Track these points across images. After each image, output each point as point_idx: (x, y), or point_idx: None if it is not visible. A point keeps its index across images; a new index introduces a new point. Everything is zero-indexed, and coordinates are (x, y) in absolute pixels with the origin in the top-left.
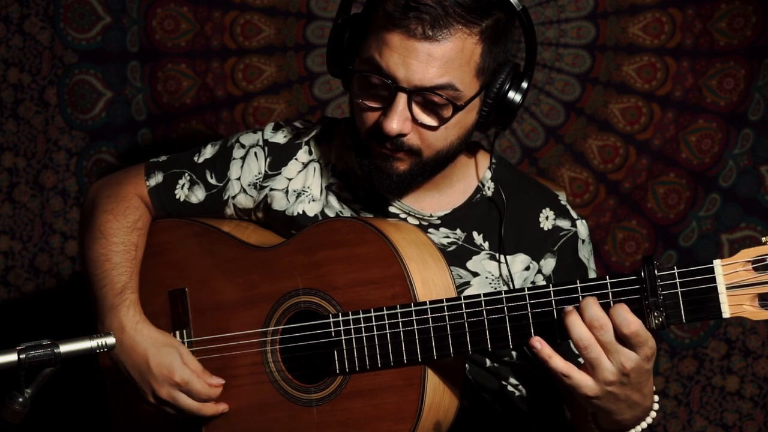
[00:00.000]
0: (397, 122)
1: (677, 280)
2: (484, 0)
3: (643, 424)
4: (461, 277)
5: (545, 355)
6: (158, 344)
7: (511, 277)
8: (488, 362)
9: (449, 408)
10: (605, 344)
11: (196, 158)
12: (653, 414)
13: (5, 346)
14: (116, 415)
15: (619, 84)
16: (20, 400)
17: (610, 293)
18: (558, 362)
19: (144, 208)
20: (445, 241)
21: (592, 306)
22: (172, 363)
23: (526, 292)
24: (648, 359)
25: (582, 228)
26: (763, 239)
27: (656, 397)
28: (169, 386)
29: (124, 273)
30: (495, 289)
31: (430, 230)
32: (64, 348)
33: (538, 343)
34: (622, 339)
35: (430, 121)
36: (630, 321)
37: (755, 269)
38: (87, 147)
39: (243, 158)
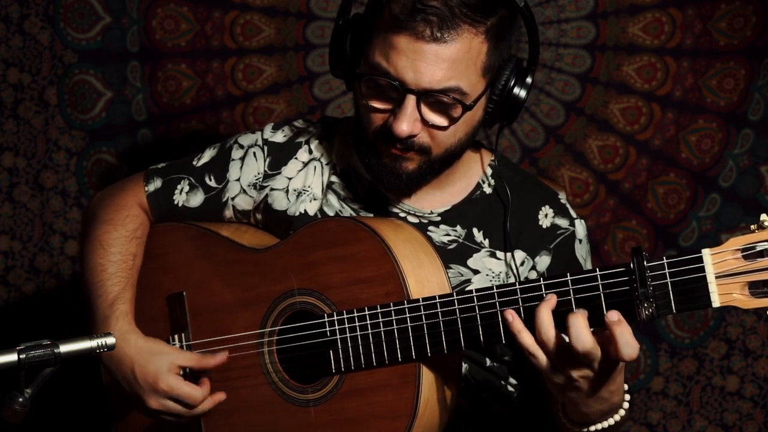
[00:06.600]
0: (407, 124)
1: (666, 270)
2: None
3: (611, 421)
4: (462, 275)
5: (515, 329)
6: (144, 353)
7: (518, 272)
8: (488, 361)
9: (446, 405)
10: (552, 357)
11: (195, 162)
12: (622, 412)
13: (5, 346)
14: (116, 414)
15: (619, 84)
16: (20, 400)
17: (571, 290)
18: (526, 338)
19: (144, 217)
20: (445, 239)
21: (543, 318)
22: (156, 371)
23: (518, 286)
24: (594, 369)
25: (580, 228)
26: (752, 227)
27: (627, 396)
28: (156, 395)
29: (118, 283)
30: None
31: (430, 228)
32: (64, 348)
33: (510, 315)
34: (570, 352)
35: (440, 121)
36: (582, 340)
37: (744, 257)
38: (87, 147)
39: (242, 159)
